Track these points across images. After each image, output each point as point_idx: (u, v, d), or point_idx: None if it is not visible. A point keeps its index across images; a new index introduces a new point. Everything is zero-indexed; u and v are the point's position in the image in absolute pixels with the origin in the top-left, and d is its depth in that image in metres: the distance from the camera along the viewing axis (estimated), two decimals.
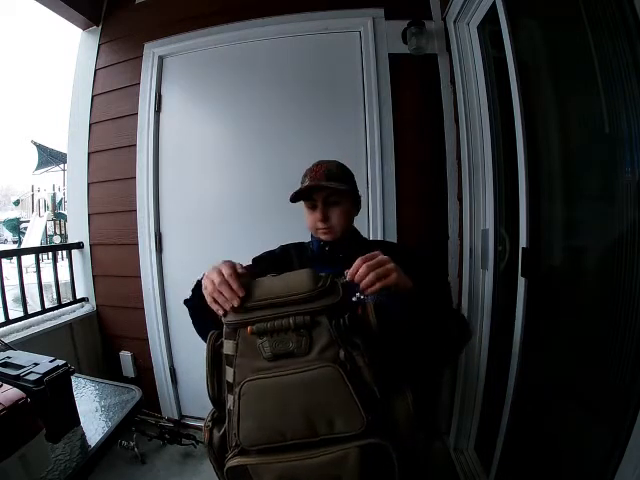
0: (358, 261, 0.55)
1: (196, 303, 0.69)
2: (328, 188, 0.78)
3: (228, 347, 0.54)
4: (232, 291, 0.54)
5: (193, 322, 0.74)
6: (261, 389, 0.50)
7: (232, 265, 0.58)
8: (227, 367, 0.55)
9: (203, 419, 1.82)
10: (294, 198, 0.80)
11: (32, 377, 0.58)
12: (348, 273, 0.54)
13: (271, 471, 0.50)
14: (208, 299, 0.57)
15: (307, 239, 0.92)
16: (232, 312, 0.54)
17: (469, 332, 0.70)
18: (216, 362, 0.57)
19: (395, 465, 0.49)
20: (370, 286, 0.53)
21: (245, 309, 0.53)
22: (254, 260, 0.90)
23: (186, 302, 0.75)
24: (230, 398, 0.54)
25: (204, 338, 0.73)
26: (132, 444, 1.45)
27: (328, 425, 0.49)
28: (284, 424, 0.49)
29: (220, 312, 0.55)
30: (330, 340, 0.50)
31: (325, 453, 0.49)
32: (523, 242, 1.00)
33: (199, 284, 0.70)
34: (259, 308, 0.52)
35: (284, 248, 0.92)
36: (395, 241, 1.40)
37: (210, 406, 0.63)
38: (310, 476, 0.49)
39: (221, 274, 0.56)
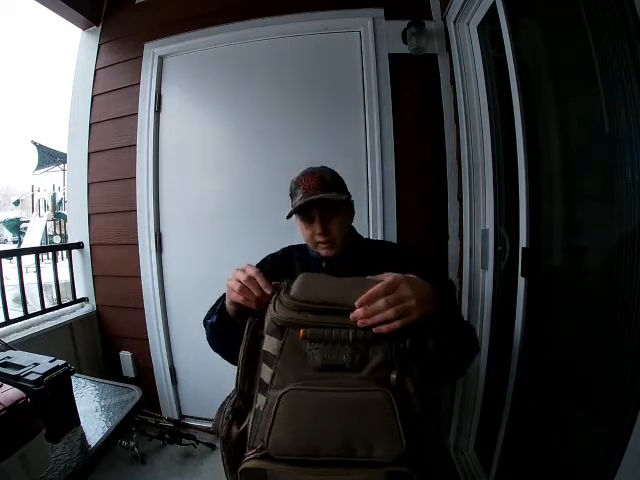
0: (377, 289, 0.49)
1: (219, 319, 0.67)
2: (329, 200, 0.73)
3: (271, 345, 0.51)
4: (259, 288, 0.56)
5: (214, 339, 0.71)
6: (305, 401, 0.47)
7: (256, 268, 0.60)
8: (264, 365, 0.51)
9: (203, 419, 1.81)
10: (290, 215, 0.77)
11: (32, 377, 0.58)
12: (358, 301, 0.48)
13: None
14: (232, 296, 0.59)
15: None
16: (283, 307, 0.50)
17: (477, 348, 0.67)
18: (252, 354, 0.54)
19: None
20: (385, 322, 0.47)
21: (297, 309, 0.50)
22: (258, 265, 0.86)
23: (208, 319, 0.71)
24: (261, 398, 0.51)
25: (225, 354, 0.70)
26: (132, 444, 1.45)
27: (367, 449, 0.46)
28: (321, 442, 0.46)
29: (246, 304, 0.57)
30: (384, 360, 0.47)
31: (351, 474, 0.46)
32: (523, 242, 1.00)
33: (219, 301, 0.69)
34: (313, 311, 0.49)
35: (286, 251, 0.89)
36: (395, 241, 1.40)
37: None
38: None
39: (246, 273, 0.58)
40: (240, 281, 0.57)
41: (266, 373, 0.51)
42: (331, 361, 0.47)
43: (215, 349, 0.73)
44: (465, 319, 0.75)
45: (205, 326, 0.74)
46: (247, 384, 0.55)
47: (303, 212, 0.77)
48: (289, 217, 0.78)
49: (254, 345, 0.54)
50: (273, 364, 0.50)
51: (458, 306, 0.80)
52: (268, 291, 0.55)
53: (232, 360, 0.71)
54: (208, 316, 0.73)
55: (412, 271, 0.58)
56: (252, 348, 0.54)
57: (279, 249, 0.91)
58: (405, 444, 0.45)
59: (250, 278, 0.57)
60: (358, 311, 0.48)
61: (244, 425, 0.54)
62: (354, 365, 0.47)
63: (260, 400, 0.51)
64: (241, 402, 0.56)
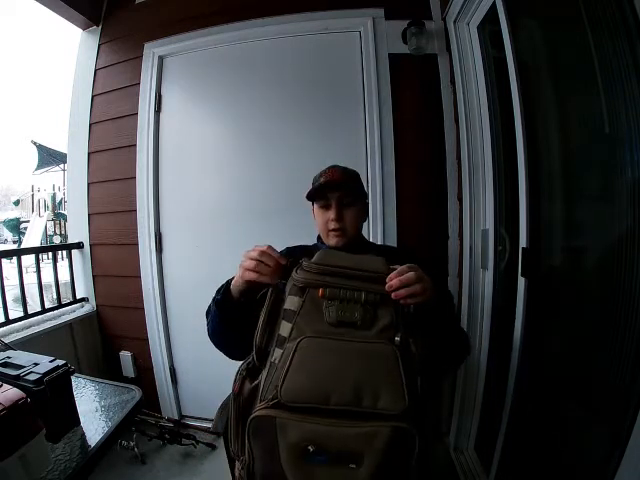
0: (404, 268, 0.56)
1: (224, 297, 0.68)
2: (346, 187, 0.80)
3: (292, 303, 0.55)
4: (273, 259, 0.60)
5: (217, 321, 0.71)
6: (321, 348, 0.51)
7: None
8: (284, 321, 0.56)
9: (203, 419, 1.81)
10: (310, 196, 0.82)
11: (32, 377, 0.58)
12: (389, 277, 0.55)
13: (299, 429, 0.48)
14: (246, 275, 0.62)
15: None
16: (304, 271, 0.56)
17: (468, 349, 0.74)
18: (274, 312, 0.58)
19: (414, 457, 0.48)
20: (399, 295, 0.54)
21: (317, 271, 0.55)
22: None
23: (215, 300, 0.71)
24: (277, 351, 0.54)
25: (226, 343, 0.73)
26: (132, 444, 1.45)
27: (373, 398, 0.49)
28: (333, 387, 0.49)
29: (261, 279, 0.60)
30: (391, 322, 0.53)
31: (358, 426, 0.48)
32: (523, 242, 1.00)
33: (225, 286, 0.70)
34: (331, 274, 0.55)
35: (290, 251, 0.90)
36: (395, 241, 1.40)
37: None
38: (336, 445, 0.48)
39: (258, 249, 0.62)
40: (254, 258, 0.61)
41: (285, 328, 0.55)
42: (345, 318, 0.53)
43: (217, 337, 0.73)
44: (460, 325, 0.80)
45: (208, 315, 0.75)
46: (265, 340, 0.58)
47: (321, 196, 0.81)
48: (308, 198, 0.83)
49: (275, 306, 0.59)
50: (293, 319, 0.54)
51: (454, 310, 0.86)
52: (282, 261, 0.60)
53: (230, 353, 0.73)
54: (213, 299, 0.73)
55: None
56: (274, 308, 0.59)
57: (284, 248, 0.91)
58: (408, 400, 0.48)
59: (263, 252, 0.61)
60: (394, 281, 0.54)
61: (257, 381, 0.57)
62: (365, 323, 0.53)
63: (276, 353, 0.55)
64: (256, 359, 0.59)
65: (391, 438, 0.47)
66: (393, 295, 0.54)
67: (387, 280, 0.54)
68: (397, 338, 0.51)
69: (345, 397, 0.49)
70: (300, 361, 0.50)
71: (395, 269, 0.57)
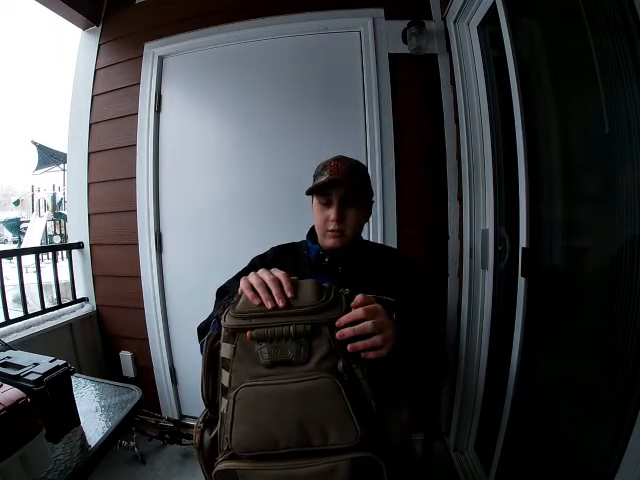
0: (358, 313, 0.51)
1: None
2: (353, 186, 0.73)
3: (226, 350, 0.53)
4: (281, 290, 0.53)
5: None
6: (257, 396, 0.49)
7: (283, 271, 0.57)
8: (223, 370, 0.54)
9: None
10: (311, 192, 0.77)
11: (32, 377, 0.58)
12: (338, 321, 0.50)
13: (260, 477, 0.49)
14: (249, 294, 0.54)
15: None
16: (231, 317, 0.53)
17: (443, 371, 0.70)
18: (212, 364, 0.56)
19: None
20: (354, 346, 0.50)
21: (243, 317, 0.52)
22: (247, 269, 0.85)
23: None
24: (224, 402, 0.53)
25: None
26: (132, 444, 1.45)
27: (322, 436, 0.48)
28: (278, 432, 0.49)
29: (256, 302, 0.53)
30: (330, 350, 0.50)
31: (316, 464, 0.48)
32: (523, 242, 1.00)
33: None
34: (256, 316, 0.52)
35: (277, 250, 0.88)
36: (395, 241, 1.40)
37: None
38: None
39: (272, 274, 0.56)
40: (264, 281, 0.54)
41: (225, 377, 0.53)
42: (278, 357, 0.50)
43: None
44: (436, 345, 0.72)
45: (203, 333, 0.69)
46: (211, 392, 0.57)
47: (323, 192, 0.75)
48: (308, 194, 0.78)
49: (213, 356, 0.56)
50: (229, 367, 0.52)
51: (438, 332, 0.80)
52: (289, 294, 0.52)
53: None
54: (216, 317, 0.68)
55: (409, 286, 0.62)
56: (212, 359, 0.56)
57: (269, 249, 0.90)
58: (360, 429, 0.47)
59: (275, 279, 0.54)
60: (348, 330, 0.49)
61: (215, 432, 0.56)
62: (300, 359, 0.50)
63: (223, 404, 0.53)
64: (209, 411, 0.58)
65: (352, 470, 0.47)
66: (349, 348, 0.49)
67: (337, 324, 0.49)
68: (340, 364, 0.49)
69: (293, 440, 0.48)
70: (240, 413, 0.49)
71: (325, 288, 0.53)
